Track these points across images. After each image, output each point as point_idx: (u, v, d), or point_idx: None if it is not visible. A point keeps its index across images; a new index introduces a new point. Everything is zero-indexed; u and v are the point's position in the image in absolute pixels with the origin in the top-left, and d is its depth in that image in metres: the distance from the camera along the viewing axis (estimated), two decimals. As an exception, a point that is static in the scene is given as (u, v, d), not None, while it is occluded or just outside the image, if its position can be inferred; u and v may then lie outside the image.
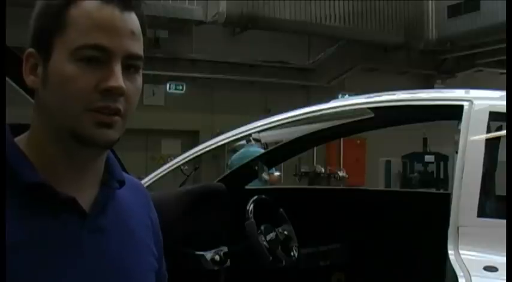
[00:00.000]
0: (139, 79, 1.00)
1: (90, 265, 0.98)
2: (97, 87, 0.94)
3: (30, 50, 0.99)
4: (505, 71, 9.73)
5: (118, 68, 0.94)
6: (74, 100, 0.94)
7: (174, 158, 3.04)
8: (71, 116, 0.94)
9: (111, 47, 0.94)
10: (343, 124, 3.40)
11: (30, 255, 0.92)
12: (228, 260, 2.66)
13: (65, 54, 0.94)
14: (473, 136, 2.30)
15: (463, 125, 2.33)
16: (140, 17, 1.00)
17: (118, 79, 0.94)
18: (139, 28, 1.00)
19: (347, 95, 11.11)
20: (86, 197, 1.00)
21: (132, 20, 0.98)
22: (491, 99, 2.57)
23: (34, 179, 0.95)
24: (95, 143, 0.95)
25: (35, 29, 0.98)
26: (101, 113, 0.94)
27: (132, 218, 1.09)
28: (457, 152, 2.29)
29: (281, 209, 2.96)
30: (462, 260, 2.03)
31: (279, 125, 2.91)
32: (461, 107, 2.39)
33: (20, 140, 1.00)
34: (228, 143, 3.10)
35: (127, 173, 1.16)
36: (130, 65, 0.97)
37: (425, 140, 12.22)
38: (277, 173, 6.56)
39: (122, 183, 1.07)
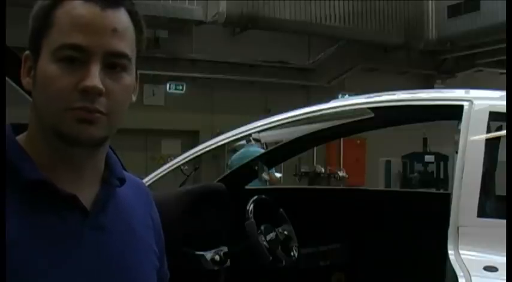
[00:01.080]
0: (127, 78, 0.98)
1: (91, 263, 0.98)
2: (76, 87, 0.93)
3: (27, 52, 1.00)
4: (505, 71, 9.73)
5: (95, 67, 0.93)
6: (54, 100, 0.94)
7: (174, 158, 3.04)
8: (53, 115, 0.95)
9: (89, 45, 0.93)
10: (343, 124, 3.39)
11: (31, 252, 0.92)
12: (228, 260, 2.66)
13: (47, 55, 0.95)
14: (473, 136, 2.30)
15: (463, 125, 2.32)
16: (132, 14, 0.99)
17: (93, 79, 0.93)
18: (126, 25, 0.98)
19: (347, 95, 11.11)
20: (86, 195, 1.00)
21: (117, 17, 0.96)
22: (491, 99, 2.57)
23: (36, 176, 0.95)
24: (77, 140, 0.95)
25: (29, 32, 0.99)
26: (81, 110, 0.94)
27: (133, 216, 1.09)
28: (457, 152, 2.29)
29: (281, 209, 2.96)
30: (462, 260, 2.03)
31: (279, 125, 2.91)
32: (461, 107, 2.39)
33: (21, 138, 1.01)
34: (228, 143, 3.10)
35: (126, 171, 1.16)
36: (114, 63, 0.96)
37: (425, 140, 12.21)
38: (278, 174, 6.55)
39: (122, 181, 1.07)
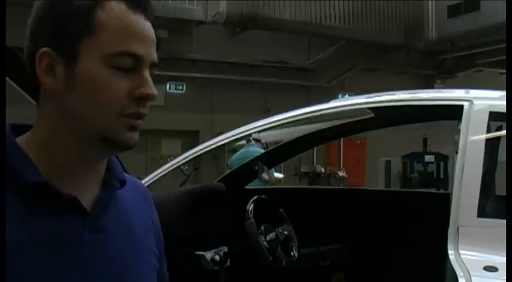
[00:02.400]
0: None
1: (91, 265, 0.97)
2: (130, 94, 0.96)
3: (46, 49, 0.95)
4: (505, 71, 9.73)
5: (148, 75, 0.97)
6: (107, 106, 0.95)
7: (174, 158, 3.04)
8: (103, 121, 0.95)
9: (143, 55, 0.96)
10: (343, 124, 3.40)
11: (32, 255, 0.92)
12: (228, 260, 2.66)
13: (97, 59, 0.94)
14: (473, 136, 2.30)
15: (463, 125, 2.32)
16: (153, 26, 1.03)
17: (152, 87, 0.97)
18: None
19: (347, 95, 11.12)
20: (87, 197, 1.00)
21: (151, 29, 1.00)
22: (491, 99, 2.57)
23: (36, 179, 0.95)
24: (126, 146, 0.98)
25: (55, 30, 0.95)
26: (131, 117, 0.97)
27: (133, 218, 1.09)
28: (457, 152, 2.29)
29: (281, 209, 2.96)
30: (462, 260, 2.03)
31: (279, 125, 2.91)
32: (461, 107, 2.39)
33: (21, 139, 1.00)
34: (228, 143, 3.10)
35: (127, 173, 1.16)
36: (151, 73, 0.99)
37: (425, 140, 12.22)
38: (280, 175, 6.54)
39: (123, 183, 1.07)
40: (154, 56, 0.99)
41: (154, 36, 1.00)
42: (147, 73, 0.97)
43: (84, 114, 0.95)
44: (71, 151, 0.98)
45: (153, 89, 0.97)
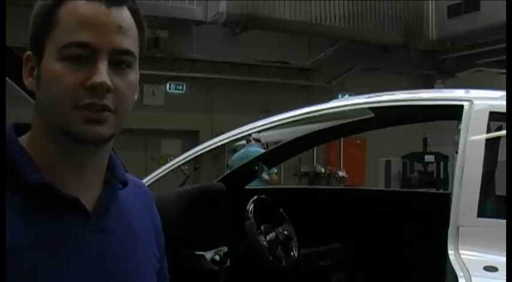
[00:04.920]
0: (132, 75, 0.99)
1: (92, 266, 0.97)
2: (83, 85, 0.93)
3: (28, 52, 0.99)
4: (505, 71, 9.73)
5: (102, 64, 0.94)
6: (61, 98, 0.94)
7: (174, 158, 3.04)
8: (60, 114, 0.94)
9: (95, 43, 0.94)
10: (343, 124, 3.40)
11: (33, 256, 0.91)
12: (228, 260, 2.67)
13: (52, 53, 0.95)
14: (473, 136, 2.30)
15: (463, 125, 2.33)
16: (134, 12, 1.00)
17: (101, 75, 0.93)
18: (130, 23, 0.99)
19: (347, 95, 11.11)
20: (88, 197, 1.00)
21: (121, 15, 0.97)
22: (491, 99, 2.57)
23: (39, 179, 0.95)
24: (85, 140, 0.95)
25: (30, 32, 0.99)
26: (89, 109, 0.94)
27: (134, 218, 1.09)
28: (457, 152, 2.29)
29: (281, 209, 2.96)
30: (462, 260, 2.03)
31: (279, 125, 2.91)
32: (461, 107, 2.39)
33: (24, 140, 1.00)
34: (228, 143, 3.10)
35: (128, 172, 1.16)
36: (119, 60, 0.96)
37: (425, 140, 12.20)
38: (274, 170, 6.51)
39: (124, 183, 1.07)
40: (117, 42, 0.95)
41: (122, 23, 0.96)
42: (100, 62, 0.94)
43: (45, 108, 0.97)
44: (51, 150, 0.98)
45: (101, 77, 0.93)
